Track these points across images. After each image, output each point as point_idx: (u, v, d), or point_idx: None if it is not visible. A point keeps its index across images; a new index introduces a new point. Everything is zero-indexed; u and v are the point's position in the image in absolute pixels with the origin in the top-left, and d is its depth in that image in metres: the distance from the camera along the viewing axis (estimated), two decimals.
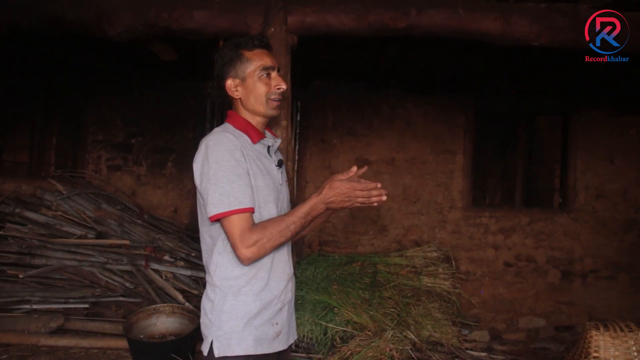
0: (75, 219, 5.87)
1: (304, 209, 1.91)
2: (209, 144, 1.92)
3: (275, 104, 2.08)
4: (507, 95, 6.45)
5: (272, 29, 2.90)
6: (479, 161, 6.84)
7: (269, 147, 2.13)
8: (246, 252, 1.85)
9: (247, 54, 2.06)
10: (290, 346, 2.23)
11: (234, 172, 1.88)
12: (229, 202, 1.85)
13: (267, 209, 2.00)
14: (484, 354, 5.19)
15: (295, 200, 2.57)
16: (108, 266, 5.58)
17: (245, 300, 1.96)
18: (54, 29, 3.33)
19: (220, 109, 6.35)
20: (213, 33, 3.19)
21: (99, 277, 5.53)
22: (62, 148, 7.34)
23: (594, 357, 3.23)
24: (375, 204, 1.93)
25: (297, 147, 6.49)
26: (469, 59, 4.97)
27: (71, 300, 5.40)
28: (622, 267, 6.44)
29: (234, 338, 1.94)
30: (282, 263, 2.07)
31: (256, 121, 2.11)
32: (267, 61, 2.06)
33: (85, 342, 4.86)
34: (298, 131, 6.51)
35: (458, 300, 5.81)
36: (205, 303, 2.03)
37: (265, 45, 2.09)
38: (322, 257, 6.04)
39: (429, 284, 5.58)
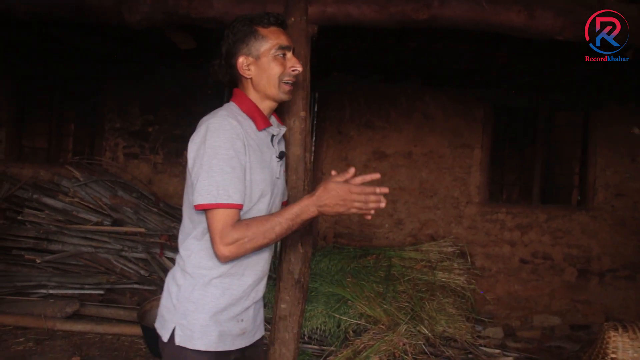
0: (91, 206, 5.92)
1: (293, 211, 1.76)
2: (210, 126, 1.79)
3: (288, 87, 1.95)
4: (526, 91, 6.37)
5: (293, 19, 2.86)
6: (496, 156, 6.77)
7: (272, 136, 2.00)
8: (224, 250, 1.74)
9: (263, 31, 1.92)
10: (258, 342, 2.11)
11: (229, 163, 1.76)
12: (217, 194, 1.74)
13: (259, 205, 1.90)
14: (497, 350, 5.16)
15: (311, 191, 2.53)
16: (123, 253, 5.62)
17: (214, 293, 1.87)
18: (74, 16, 3.33)
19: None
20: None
21: (114, 264, 5.58)
22: (79, 135, 7.39)
23: (612, 358, 3.19)
24: (372, 212, 1.75)
25: (314, 139, 6.47)
26: (489, 52, 4.91)
27: (87, 286, 5.46)
28: None
29: (197, 331, 1.85)
30: (261, 261, 1.96)
31: (265, 105, 1.97)
32: (284, 40, 1.93)
33: (100, 328, 4.92)
34: (315, 122, 6.49)
35: (472, 296, 5.78)
36: (170, 285, 1.94)
37: (281, 23, 1.97)
38: (336, 250, 6.04)
39: (443, 279, 5.55)
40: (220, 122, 1.80)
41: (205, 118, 1.86)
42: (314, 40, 3.03)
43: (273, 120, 2.07)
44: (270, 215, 1.80)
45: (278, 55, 1.92)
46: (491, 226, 6.38)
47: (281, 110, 2.87)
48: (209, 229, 1.77)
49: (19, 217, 5.79)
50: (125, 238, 5.72)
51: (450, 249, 5.97)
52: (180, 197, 6.59)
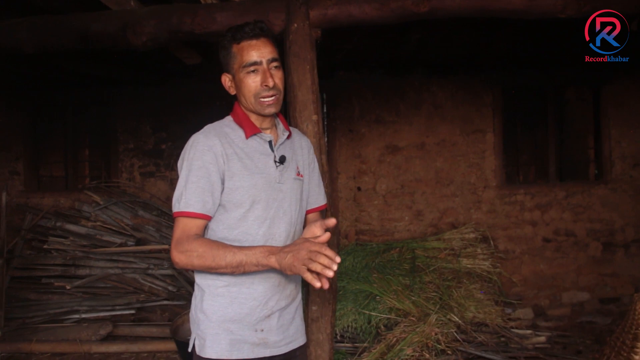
0: (114, 228, 5.99)
1: (253, 250, 1.71)
2: (189, 142, 1.90)
3: (266, 102, 1.90)
4: (534, 70, 6.35)
5: (295, 25, 2.90)
6: (509, 139, 6.76)
7: (270, 141, 1.98)
8: (174, 256, 1.77)
9: (235, 47, 1.90)
10: (295, 352, 2.06)
11: (196, 174, 1.82)
12: (179, 204, 1.82)
13: (254, 211, 1.89)
14: (529, 331, 5.15)
15: (330, 192, 2.55)
16: (150, 271, 5.69)
17: (222, 302, 1.89)
18: (81, 44, 3.39)
19: None
20: None
21: (142, 283, 5.65)
22: (95, 159, 7.49)
23: None
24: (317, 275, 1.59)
25: (326, 139, 6.49)
26: (494, 36, 4.91)
27: (117, 307, 5.53)
28: None
29: (208, 339, 1.88)
30: (272, 269, 1.81)
31: (254, 117, 1.97)
32: (251, 56, 1.87)
33: (135, 347, 4.98)
34: (325, 123, 6.52)
35: (499, 280, 5.78)
36: (192, 299, 2.02)
37: (256, 34, 1.88)
38: (359, 247, 6.07)
39: (468, 266, 5.56)
40: (196, 137, 1.89)
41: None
42: (318, 44, 3.06)
43: (280, 126, 2.05)
44: (229, 245, 1.77)
45: (249, 71, 1.89)
46: (510, 208, 6.37)
47: (289, 113, 2.90)
48: (172, 234, 1.84)
49: (45, 246, 5.88)
50: (150, 256, 5.79)
51: (472, 235, 5.97)
52: None
